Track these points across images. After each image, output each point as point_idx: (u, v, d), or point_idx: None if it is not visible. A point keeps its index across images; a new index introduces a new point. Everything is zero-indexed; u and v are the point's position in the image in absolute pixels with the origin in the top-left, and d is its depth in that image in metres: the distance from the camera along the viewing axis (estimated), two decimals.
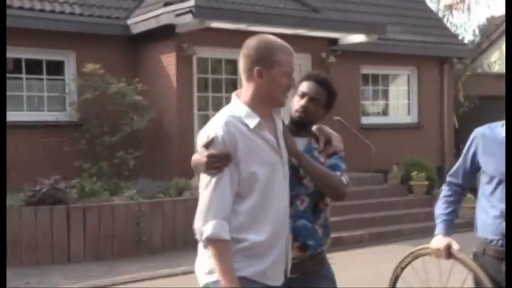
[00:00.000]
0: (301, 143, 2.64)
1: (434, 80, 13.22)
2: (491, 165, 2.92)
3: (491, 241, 2.91)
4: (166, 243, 8.05)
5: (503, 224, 2.87)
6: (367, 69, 12.54)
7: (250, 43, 2.38)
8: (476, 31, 22.94)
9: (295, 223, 2.59)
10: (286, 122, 2.70)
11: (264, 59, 2.34)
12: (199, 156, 2.33)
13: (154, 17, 9.35)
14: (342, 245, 8.37)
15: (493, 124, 3.00)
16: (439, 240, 2.98)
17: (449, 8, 16.82)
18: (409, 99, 13.20)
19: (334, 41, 11.00)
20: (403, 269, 3.15)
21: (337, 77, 11.23)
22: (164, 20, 9.16)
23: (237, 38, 11.65)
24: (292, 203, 2.56)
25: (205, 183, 2.31)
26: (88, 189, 8.01)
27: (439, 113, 13.28)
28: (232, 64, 10.06)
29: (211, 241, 2.25)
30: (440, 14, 15.39)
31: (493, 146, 2.93)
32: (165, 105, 9.66)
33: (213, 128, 2.31)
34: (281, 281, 2.44)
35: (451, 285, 3.05)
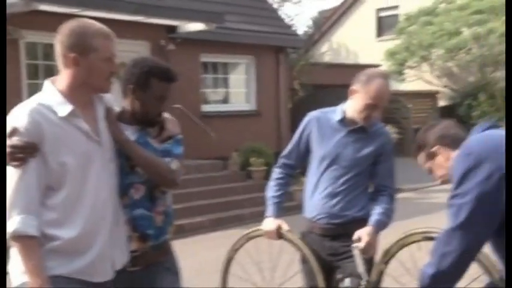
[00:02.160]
0: (134, 129, 2.54)
1: (271, 68, 13.72)
2: (324, 148, 3.08)
3: (318, 220, 3.08)
4: None
5: (329, 203, 3.06)
6: (207, 58, 12.64)
7: (65, 27, 2.25)
8: (310, 23, 24.23)
9: (132, 213, 2.49)
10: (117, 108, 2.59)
11: (79, 45, 2.21)
12: (4, 146, 2.16)
13: None
14: (182, 232, 8.37)
15: (326, 109, 3.17)
16: (270, 222, 3.09)
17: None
18: (247, 87, 13.57)
19: (173, 29, 10.92)
20: (236, 251, 3.23)
21: (177, 65, 11.19)
22: None
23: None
24: (126, 192, 2.48)
25: (10, 176, 2.14)
26: None
27: (275, 101, 13.82)
28: None
29: (16, 238, 2.10)
30: (275, 6, 15.99)
31: (326, 130, 3.09)
32: None
33: (16, 117, 2.16)
34: (108, 277, 2.33)
35: (281, 265, 3.18)
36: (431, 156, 2.42)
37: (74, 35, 2.22)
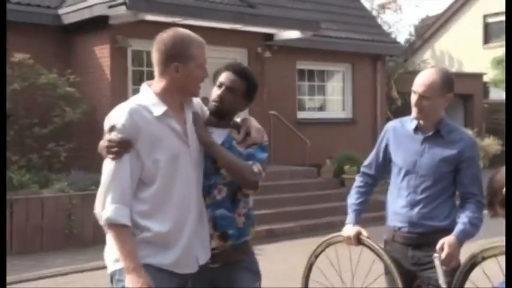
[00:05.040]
0: (221, 133, 2.68)
1: (368, 76, 13.59)
2: (400, 157, 3.07)
3: (400, 228, 3.07)
4: (98, 236, 7.93)
5: (410, 212, 3.03)
6: (303, 65, 12.74)
7: (164, 37, 2.42)
8: (412, 30, 23.67)
9: (214, 212, 2.62)
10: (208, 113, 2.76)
11: (180, 54, 2.38)
12: (103, 141, 2.37)
13: (87, 7, 9.20)
14: (273, 237, 8.52)
15: (404, 118, 3.16)
16: (349, 229, 3.12)
17: (382, 7, 17.32)
18: (344, 95, 13.51)
19: (270, 36, 11.13)
20: (316, 257, 3.27)
21: (273, 72, 11.41)
22: (97, 11, 9.03)
23: None
24: (209, 192, 2.61)
25: (105, 168, 2.35)
26: (16, 182, 7.82)
27: (372, 109, 13.66)
28: None
29: (110, 226, 2.28)
30: (374, 13, 15.83)
31: (403, 139, 3.09)
32: (99, 97, 9.53)
33: (116, 115, 2.36)
34: (194, 269, 2.46)
35: (360, 271, 3.20)
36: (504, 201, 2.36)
37: (176, 44, 2.40)
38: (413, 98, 2.98)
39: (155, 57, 2.43)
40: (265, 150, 2.72)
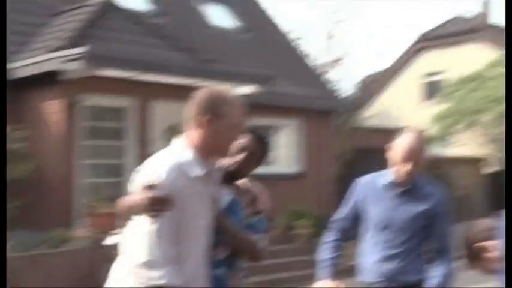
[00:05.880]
0: (226, 194, 2.63)
1: (317, 131, 13.83)
2: (375, 212, 3.11)
3: (374, 283, 3.08)
4: None
5: (384, 266, 3.05)
6: (254, 120, 12.84)
7: (201, 93, 2.42)
8: (356, 87, 24.52)
9: (215, 271, 2.54)
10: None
11: (212, 110, 2.36)
12: (139, 196, 2.24)
13: (36, 62, 9.05)
14: None
15: (375, 174, 3.23)
16: (327, 284, 3.10)
17: (330, 64, 17.95)
18: (293, 149, 13.67)
19: None
20: None
21: None
22: (47, 66, 8.89)
23: (123, 86, 11.49)
24: (212, 250, 2.53)
25: (144, 226, 2.25)
26: None
27: (320, 164, 13.85)
28: (117, 112, 9.87)
29: None
30: (322, 70, 16.35)
31: (376, 194, 3.14)
32: (46, 153, 9.26)
33: (159, 171, 2.28)
34: None
35: None
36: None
37: (210, 100, 2.38)
38: (406, 168, 3.00)
39: (190, 111, 2.41)
40: (266, 217, 2.74)
